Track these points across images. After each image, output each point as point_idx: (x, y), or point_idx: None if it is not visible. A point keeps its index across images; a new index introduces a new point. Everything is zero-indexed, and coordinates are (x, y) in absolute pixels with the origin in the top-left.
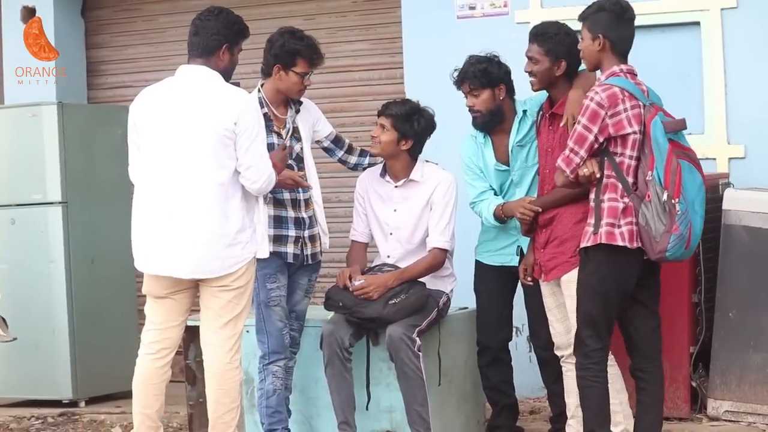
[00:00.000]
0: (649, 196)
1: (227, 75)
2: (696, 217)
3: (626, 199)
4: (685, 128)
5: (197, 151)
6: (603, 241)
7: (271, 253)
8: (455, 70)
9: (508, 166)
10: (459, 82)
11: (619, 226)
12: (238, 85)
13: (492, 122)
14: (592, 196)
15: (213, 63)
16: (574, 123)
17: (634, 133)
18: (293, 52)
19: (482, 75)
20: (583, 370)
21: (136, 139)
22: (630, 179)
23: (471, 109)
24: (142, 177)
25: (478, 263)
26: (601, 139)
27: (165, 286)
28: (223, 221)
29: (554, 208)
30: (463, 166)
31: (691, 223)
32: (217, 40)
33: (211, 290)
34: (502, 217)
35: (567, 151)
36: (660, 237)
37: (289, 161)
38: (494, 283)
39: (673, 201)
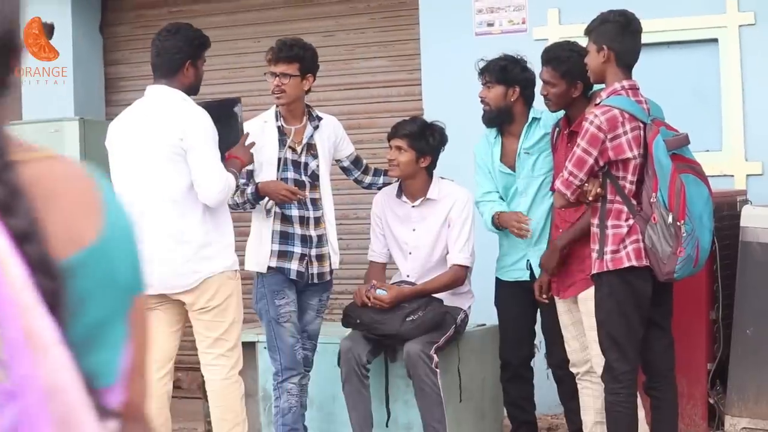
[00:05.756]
0: (654, 218)
1: (195, 89)
2: (704, 231)
3: (630, 221)
4: (688, 143)
5: (150, 168)
6: (610, 268)
7: (275, 268)
8: (481, 59)
9: (514, 171)
10: (480, 72)
11: (625, 247)
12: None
13: (499, 119)
14: (595, 221)
15: (178, 81)
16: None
17: (635, 158)
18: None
19: (500, 70)
20: (612, 394)
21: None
22: (632, 201)
23: (482, 101)
24: None
25: (497, 280)
26: (601, 163)
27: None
28: (180, 237)
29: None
30: (475, 165)
31: (699, 241)
32: (179, 59)
33: (192, 313)
34: (498, 224)
35: (566, 174)
36: (667, 259)
37: (303, 178)
38: (513, 299)
39: (678, 223)
